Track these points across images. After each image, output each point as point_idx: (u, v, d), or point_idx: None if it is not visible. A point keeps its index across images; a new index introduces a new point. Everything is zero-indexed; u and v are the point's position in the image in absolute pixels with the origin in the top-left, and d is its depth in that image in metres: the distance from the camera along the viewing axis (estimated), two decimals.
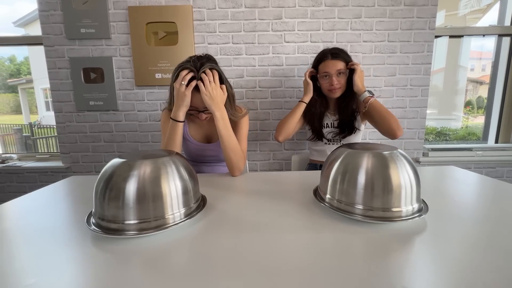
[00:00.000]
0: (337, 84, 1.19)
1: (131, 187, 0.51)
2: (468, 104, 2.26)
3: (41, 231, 0.56)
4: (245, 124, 1.09)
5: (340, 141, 1.31)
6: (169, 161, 0.57)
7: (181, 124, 0.94)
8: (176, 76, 0.92)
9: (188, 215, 0.58)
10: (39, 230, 0.56)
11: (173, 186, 0.55)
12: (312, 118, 1.30)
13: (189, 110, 0.95)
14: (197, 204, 0.62)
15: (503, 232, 0.52)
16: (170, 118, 0.94)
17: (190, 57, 0.95)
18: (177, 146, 0.95)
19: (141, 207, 0.51)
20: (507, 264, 0.41)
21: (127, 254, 0.46)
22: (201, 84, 0.89)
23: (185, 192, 0.57)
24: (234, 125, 1.09)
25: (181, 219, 0.56)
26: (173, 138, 0.95)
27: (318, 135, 1.32)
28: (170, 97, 1.00)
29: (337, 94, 1.22)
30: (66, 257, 0.46)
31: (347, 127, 1.27)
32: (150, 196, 0.52)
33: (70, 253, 0.47)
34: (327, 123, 1.32)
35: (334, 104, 1.32)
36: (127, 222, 0.51)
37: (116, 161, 0.56)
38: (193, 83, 0.89)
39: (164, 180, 0.54)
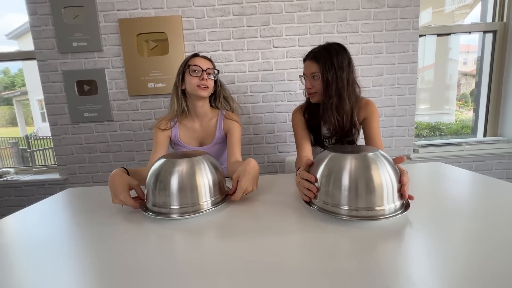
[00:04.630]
0: (311, 89, 1.03)
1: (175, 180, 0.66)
2: (461, 97, 2.29)
3: (42, 243, 0.58)
4: (238, 130, 1.13)
5: None
6: (202, 159, 0.71)
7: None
8: (184, 65, 1.06)
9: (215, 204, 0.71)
10: (40, 242, 0.58)
11: (205, 179, 0.69)
12: (310, 121, 1.13)
13: (193, 66, 1.04)
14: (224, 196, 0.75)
15: (483, 225, 0.55)
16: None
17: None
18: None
19: (181, 195, 0.66)
20: (490, 256, 0.44)
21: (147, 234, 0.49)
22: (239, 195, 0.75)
23: (214, 184, 0.71)
24: (228, 130, 1.13)
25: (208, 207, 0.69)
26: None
27: (318, 141, 1.16)
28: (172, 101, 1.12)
29: (315, 99, 1.06)
30: (67, 267, 0.48)
31: (344, 140, 1.10)
32: (188, 186, 0.67)
33: (71, 263, 0.49)
34: (324, 137, 1.16)
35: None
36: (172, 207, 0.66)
37: (162, 160, 0.70)
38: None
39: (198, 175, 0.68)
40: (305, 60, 1.06)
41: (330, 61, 0.98)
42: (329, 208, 0.63)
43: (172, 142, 1.16)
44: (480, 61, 2.03)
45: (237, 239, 0.55)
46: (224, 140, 1.16)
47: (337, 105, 0.99)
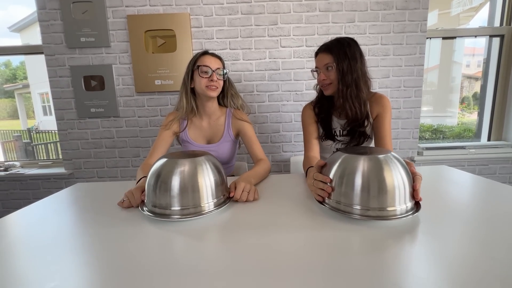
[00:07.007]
0: (326, 80, 1.04)
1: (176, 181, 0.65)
2: (464, 100, 2.29)
3: (47, 240, 0.58)
4: (250, 129, 1.16)
5: None
6: (204, 159, 0.70)
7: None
8: (193, 63, 1.05)
9: (218, 205, 0.70)
10: (44, 239, 0.59)
11: (207, 180, 0.68)
12: (320, 114, 1.14)
13: (203, 67, 1.02)
14: (225, 197, 0.74)
15: (491, 228, 0.56)
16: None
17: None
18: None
19: (183, 196, 0.65)
20: (497, 259, 0.45)
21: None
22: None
23: (216, 185, 0.70)
24: (239, 132, 1.16)
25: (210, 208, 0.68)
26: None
27: (328, 135, 1.15)
28: (181, 96, 1.10)
29: (329, 90, 1.06)
30: (81, 262, 0.49)
31: (357, 135, 1.09)
32: (190, 187, 0.66)
33: (84, 258, 0.50)
34: (335, 131, 1.15)
35: (340, 104, 1.09)
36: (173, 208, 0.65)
37: (163, 160, 0.69)
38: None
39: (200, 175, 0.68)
40: (317, 54, 1.08)
41: (343, 52, 1.00)
42: (342, 207, 0.64)
43: (180, 139, 1.17)
44: (486, 63, 2.03)
45: (242, 239, 0.55)
46: (233, 139, 1.17)
47: (356, 94, 1.01)
